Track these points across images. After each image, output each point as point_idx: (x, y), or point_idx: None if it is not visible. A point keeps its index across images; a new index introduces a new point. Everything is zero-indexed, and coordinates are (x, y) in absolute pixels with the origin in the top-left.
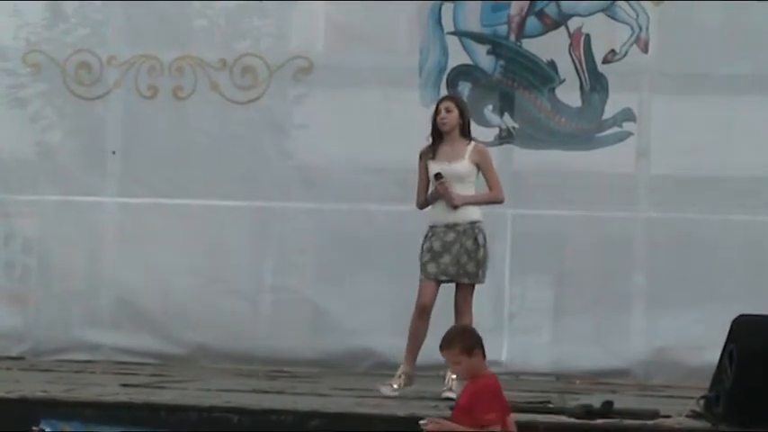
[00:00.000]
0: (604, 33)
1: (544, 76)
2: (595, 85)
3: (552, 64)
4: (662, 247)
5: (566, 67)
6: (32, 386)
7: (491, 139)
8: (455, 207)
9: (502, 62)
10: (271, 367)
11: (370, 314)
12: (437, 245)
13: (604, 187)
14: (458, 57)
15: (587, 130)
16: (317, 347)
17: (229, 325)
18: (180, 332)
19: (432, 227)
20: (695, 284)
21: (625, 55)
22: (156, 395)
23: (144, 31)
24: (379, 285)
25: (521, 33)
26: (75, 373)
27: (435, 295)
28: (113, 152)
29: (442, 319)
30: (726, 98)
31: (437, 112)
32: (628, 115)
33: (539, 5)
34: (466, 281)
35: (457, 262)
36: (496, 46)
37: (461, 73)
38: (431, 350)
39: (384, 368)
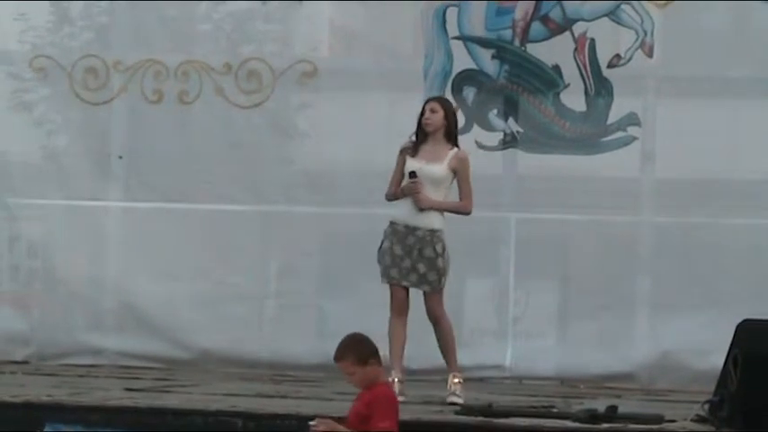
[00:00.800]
0: (609, 38)
1: (549, 81)
2: (600, 89)
3: (557, 68)
4: (667, 251)
5: (570, 71)
6: (37, 390)
7: (495, 143)
8: (420, 209)
9: (506, 67)
10: (275, 371)
11: (375, 319)
12: (398, 248)
13: (609, 191)
14: (462, 61)
15: (592, 134)
16: (322, 352)
17: (234, 329)
18: (184, 336)
19: (392, 223)
20: (700, 289)
21: (630, 59)
22: (161, 399)
23: (149, 35)
24: (383, 290)
25: (525, 38)
26: (79, 378)
27: (407, 296)
28: (120, 156)
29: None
30: (731, 102)
31: (422, 112)
32: (632, 119)
33: (543, 10)
34: (428, 289)
35: (416, 270)
36: (501, 50)
37: (466, 77)
38: (434, 355)
39: (388, 373)
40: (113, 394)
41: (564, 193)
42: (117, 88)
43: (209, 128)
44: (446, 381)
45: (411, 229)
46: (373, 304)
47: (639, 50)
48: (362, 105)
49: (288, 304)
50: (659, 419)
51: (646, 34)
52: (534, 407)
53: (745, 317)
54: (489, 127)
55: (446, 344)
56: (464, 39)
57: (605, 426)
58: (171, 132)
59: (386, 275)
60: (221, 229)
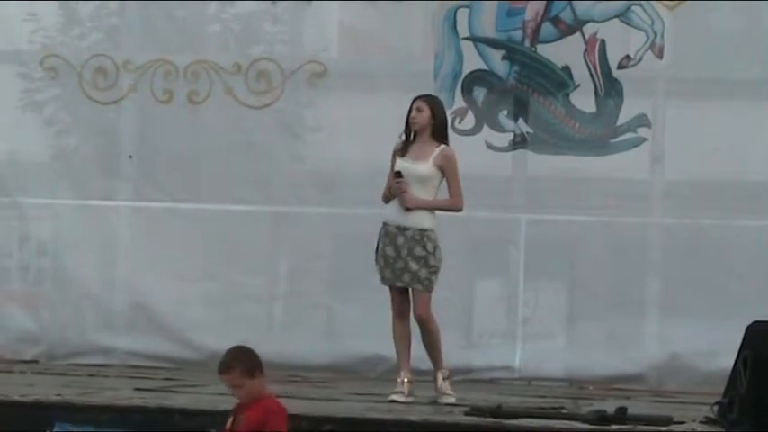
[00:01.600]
0: (619, 39)
1: (559, 82)
2: (610, 90)
3: (567, 69)
4: (676, 252)
5: (580, 72)
6: (46, 390)
7: (505, 144)
8: (407, 209)
9: (516, 67)
10: (284, 372)
11: (385, 319)
12: (390, 249)
13: (619, 193)
14: (473, 62)
15: (602, 135)
16: (331, 352)
17: (243, 329)
18: (194, 336)
19: (385, 224)
20: (709, 290)
21: (640, 60)
22: (170, 399)
23: (159, 35)
24: None
25: (536, 39)
26: (88, 377)
27: (406, 297)
28: (130, 156)
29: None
30: (741, 103)
31: (410, 110)
32: (642, 121)
33: (554, 11)
34: (419, 288)
35: (408, 269)
36: (511, 51)
37: (476, 78)
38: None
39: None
40: (123, 394)
41: (574, 194)
42: (127, 88)
43: (219, 128)
44: (434, 380)
45: (401, 230)
46: (383, 305)
47: (650, 52)
48: (372, 106)
49: (298, 305)
50: (668, 421)
51: (656, 35)
52: (543, 408)
53: (754, 318)
54: (499, 128)
55: (433, 343)
56: (474, 39)
57: (614, 427)
58: (181, 132)
59: (382, 277)
60: (231, 230)
